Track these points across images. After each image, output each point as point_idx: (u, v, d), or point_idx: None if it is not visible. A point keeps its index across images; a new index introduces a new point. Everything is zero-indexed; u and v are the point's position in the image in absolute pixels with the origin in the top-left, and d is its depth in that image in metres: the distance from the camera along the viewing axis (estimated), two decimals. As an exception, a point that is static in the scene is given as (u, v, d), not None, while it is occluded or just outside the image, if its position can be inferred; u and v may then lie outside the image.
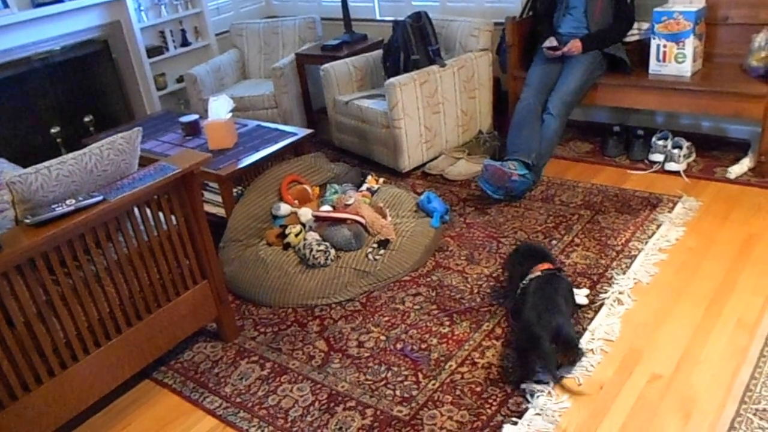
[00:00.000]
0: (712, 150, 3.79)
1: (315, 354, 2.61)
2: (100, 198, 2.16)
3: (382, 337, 2.64)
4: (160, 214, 2.42)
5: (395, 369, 2.46)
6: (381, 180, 3.65)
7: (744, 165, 3.49)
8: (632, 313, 2.59)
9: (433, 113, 3.96)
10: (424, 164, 4.05)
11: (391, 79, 3.75)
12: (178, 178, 2.37)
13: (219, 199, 3.33)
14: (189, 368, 2.64)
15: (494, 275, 2.94)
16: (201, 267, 2.58)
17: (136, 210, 2.32)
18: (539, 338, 2.22)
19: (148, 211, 2.36)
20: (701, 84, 3.50)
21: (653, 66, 3.66)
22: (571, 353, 2.32)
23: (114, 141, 2.29)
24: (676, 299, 2.63)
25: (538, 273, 2.52)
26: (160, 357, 2.54)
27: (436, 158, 4.06)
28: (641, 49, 3.79)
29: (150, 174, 2.33)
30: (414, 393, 2.33)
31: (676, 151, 3.59)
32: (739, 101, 3.35)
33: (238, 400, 2.43)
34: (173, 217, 2.45)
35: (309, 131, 3.62)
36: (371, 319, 2.76)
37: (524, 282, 2.53)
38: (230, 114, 3.47)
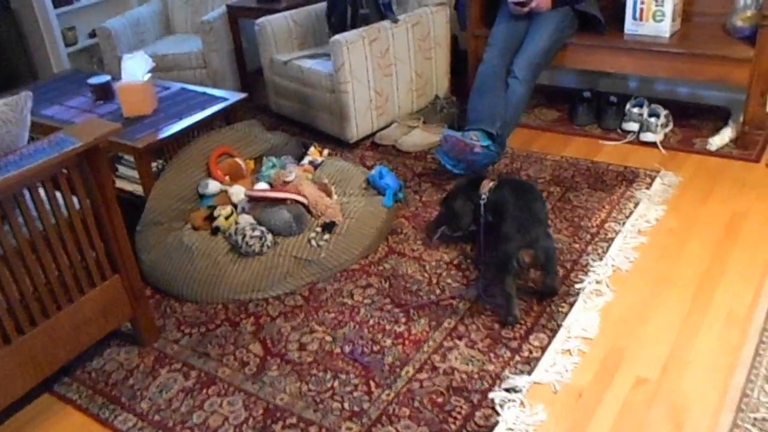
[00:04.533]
0: (689, 118, 3.73)
1: (249, 359, 2.41)
2: (-22, 179, 1.90)
3: (328, 338, 2.46)
4: (59, 197, 2.17)
5: (343, 377, 2.27)
6: (325, 152, 3.47)
7: (725, 136, 3.41)
8: (612, 305, 2.46)
9: (385, 76, 3.82)
10: (374, 133, 3.91)
11: (337, 36, 3.59)
12: (80, 153, 2.12)
13: (136, 174, 3.11)
14: (98, 379, 2.39)
15: (455, 262, 2.77)
16: (111, 259, 2.34)
17: (26, 192, 2.07)
18: (510, 257, 2.36)
19: (42, 193, 2.11)
20: (681, 46, 3.40)
21: (629, 25, 3.54)
22: (550, 273, 2.42)
23: (-5, 109, 2.05)
24: (659, 289, 2.52)
25: (490, 185, 2.69)
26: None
27: (387, 127, 3.94)
28: (616, 5, 3.65)
29: (44, 148, 2.10)
30: (365, 406, 2.15)
31: (652, 119, 3.49)
32: (723, 65, 3.24)
33: (157, 417, 2.20)
34: (75, 200, 2.21)
35: (242, 95, 3.43)
36: (315, 316, 2.58)
37: (483, 197, 2.68)
38: (149, 75, 3.23)
